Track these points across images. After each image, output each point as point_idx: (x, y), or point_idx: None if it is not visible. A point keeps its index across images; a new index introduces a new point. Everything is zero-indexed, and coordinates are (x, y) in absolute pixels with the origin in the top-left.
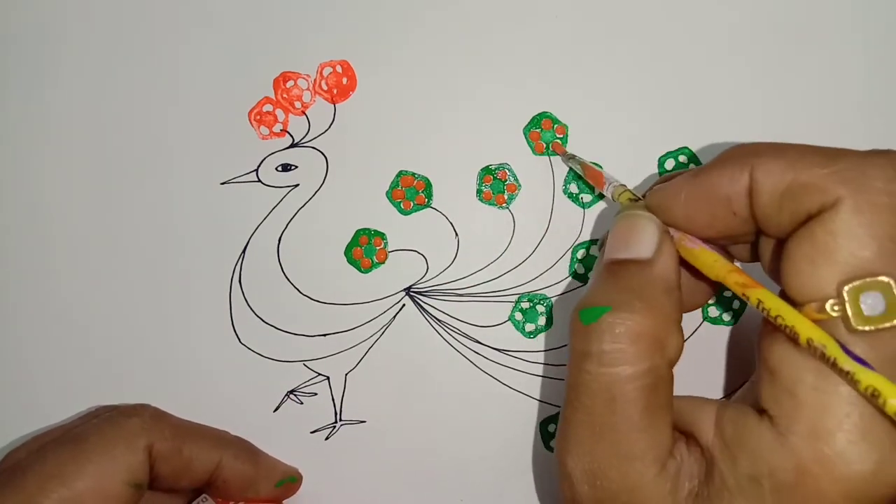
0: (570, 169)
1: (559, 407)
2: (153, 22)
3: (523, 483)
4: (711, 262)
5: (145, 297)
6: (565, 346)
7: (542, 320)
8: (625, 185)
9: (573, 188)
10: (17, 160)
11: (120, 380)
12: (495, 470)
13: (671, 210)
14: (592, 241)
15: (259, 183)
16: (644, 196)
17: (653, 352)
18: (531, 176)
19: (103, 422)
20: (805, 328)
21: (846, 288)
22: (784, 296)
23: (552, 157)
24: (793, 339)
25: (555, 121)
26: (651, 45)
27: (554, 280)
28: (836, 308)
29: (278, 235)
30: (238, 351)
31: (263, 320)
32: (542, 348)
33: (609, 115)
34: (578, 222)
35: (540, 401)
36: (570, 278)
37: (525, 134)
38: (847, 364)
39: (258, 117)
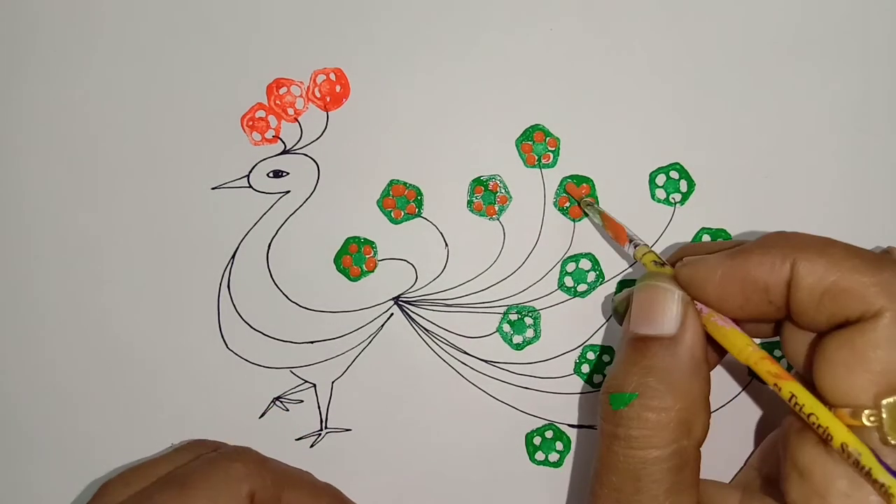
0: (587, 216)
1: (545, 420)
2: (147, 26)
3: (508, 495)
4: (742, 345)
5: (133, 299)
6: (552, 358)
7: (529, 332)
8: (648, 245)
9: (563, 201)
10: (5, 161)
11: (107, 383)
12: (480, 481)
13: (704, 288)
14: (584, 255)
15: (250, 189)
16: (666, 262)
17: (679, 435)
18: (522, 188)
19: (207, 465)
20: (840, 432)
21: (886, 402)
22: (811, 389)
23: (543, 170)
24: (824, 439)
25: (547, 133)
26: (645, 60)
27: (543, 292)
28: (871, 418)
29: (268, 242)
30: (225, 356)
31: (251, 326)
32: (530, 360)
33: (601, 129)
34: (568, 235)
35: (526, 413)
36: (558, 291)
37: (517, 146)
38: (882, 476)
39: (250, 123)
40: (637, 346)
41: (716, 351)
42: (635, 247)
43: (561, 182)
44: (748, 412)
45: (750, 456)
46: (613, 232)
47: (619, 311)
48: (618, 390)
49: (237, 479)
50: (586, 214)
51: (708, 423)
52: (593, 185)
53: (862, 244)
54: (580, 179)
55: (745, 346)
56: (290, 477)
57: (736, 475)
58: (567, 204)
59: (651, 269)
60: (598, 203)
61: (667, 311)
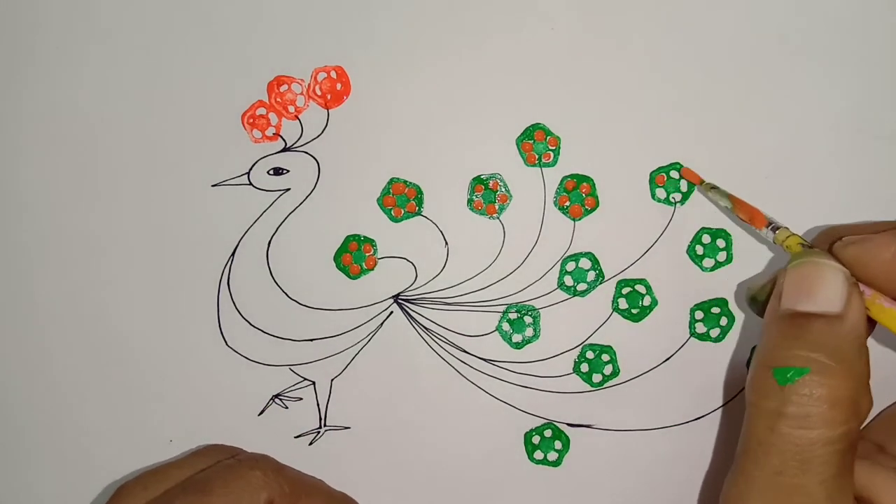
0: (704, 195)
1: (544, 419)
2: (148, 24)
3: (506, 494)
4: None
5: (133, 296)
6: (552, 357)
7: (529, 331)
8: (789, 228)
9: (563, 200)
10: (5, 158)
11: (106, 380)
12: (478, 480)
13: (871, 267)
14: (584, 255)
15: (250, 186)
16: (812, 245)
17: (849, 415)
18: (522, 187)
19: (226, 471)
20: None
21: None
22: None
23: (544, 169)
24: None
25: (547, 132)
26: (645, 60)
27: (542, 291)
28: None
29: (268, 239)
30: (224, 354)
31: (251, 324)
32: (529, 359)
33: (601, 129)
34: (568, 234)
35: (525, 412)
36: (558, 290)
37: (517, 144)
38: None
39: (251, 120)
40: (799, 321)
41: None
42: (774, 230)
43: (561, 181)
44: None
45: (866, 429)
46: (747, 215)
47: (757, 300)
48: (782, 365)
49: (256, 486)
50: (707, 197)
51: (871, 405)
52: (593, 185)
53: None
54: (580, 178)
55: None
56: (307, 485)
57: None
58: (567, 203)
59: (798, 251)
60: (718, 186)
61: (832, 289)
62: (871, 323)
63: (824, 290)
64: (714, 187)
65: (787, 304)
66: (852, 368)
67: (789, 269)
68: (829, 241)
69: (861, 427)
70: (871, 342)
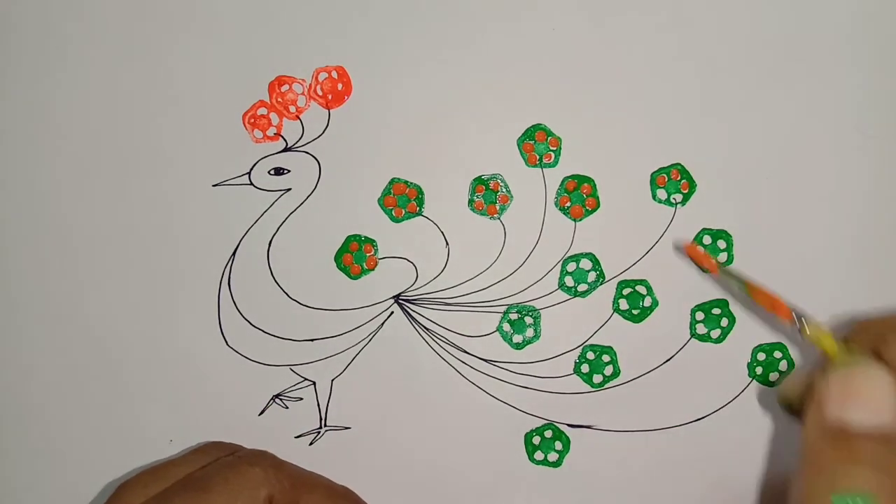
0: (732, 283)
1: (544, 419)
2: (149, 24)
3: (506, 494)
4: None
5: (134, 296)
6: (552, 358)
7: (529, 332)
8: (819, 324)
9: (564, 201)
10: (8, 158)
11: (107, 380)
12: (479, 480)
13: None
14: (584, 255)
15: (251, 186)
16: (847, 340)
17: None
18: (523, 187)
19: (225, 468)
20: None
21: None
22: None
23: (545, 170)
24: None
25: (548, 133)
26: (646, 61)
27: (543, 292)
28: None
29: (269, 239)
30: (225, 353)
31: (251, 324)
32: (530, 360)
33: (602, 129)
34: (569, 235)
35: (525, 413)
36: (558, 290)
37: (518, 145)
38: None
39: (252, 120)
40: (851, 438)
41: None
42: (801, 323)
43: (562, 181)
44: (749, 413)
45: None
46: (770, 306)
47: (791, 401)
48: (845, 490)
49: (256, 483)
50: (717, 280)
51: None
52: (594, 185)
53: (863, 245)
54: (581, 179)
55: None
56: (307, 480)
57: None
58: (568, 203)
59: (836, 353)
60: (730, 269)
61: (885, 400)
62: None
63: (877, 401)
64: (729, 274)
65: (838, 413)
66: None
67: (837, 374)
68: (864, 337)
69: None
70: None
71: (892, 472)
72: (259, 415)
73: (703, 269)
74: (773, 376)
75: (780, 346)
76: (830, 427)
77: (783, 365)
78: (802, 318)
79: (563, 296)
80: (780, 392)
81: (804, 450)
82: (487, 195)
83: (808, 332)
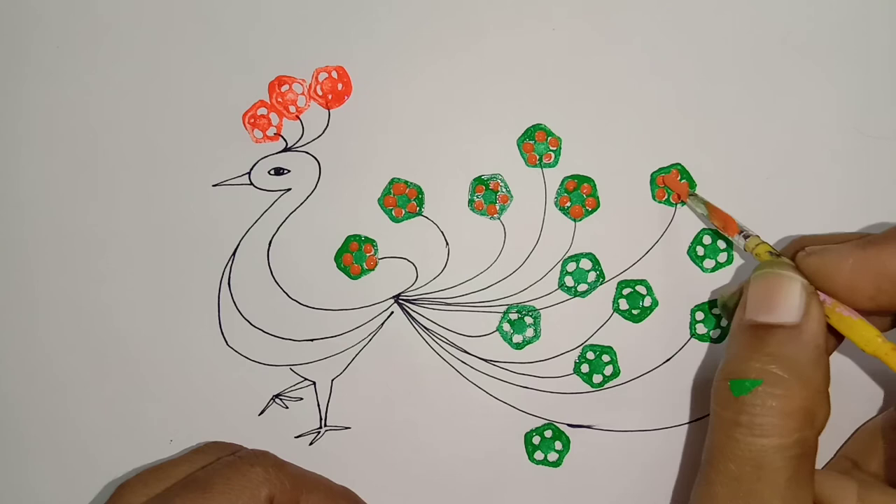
0: (689, 208)
1: (544, 419)
2: (149, 23)
3: (506, 494)
4: (871, 336)
5: (133, 296)
6: (552, 358)
7: (529, 332)
8: (759, 237)
9: (564, 201)
10: (6, 158)
11: (106, 379)
12: (479, 481)
13: (832, 278)
14: (584, 255)
15: (251, 186)
16: (780, 253)
17: (803, 424)
18: (523, 187)
19: (226, 468)
20: None
21: None
22: None
23: (544, 170)
24: None
25: (548, 133)
26: (647, 61)
27: (543, 292)
28: None
29: (269, 239)
30: (225, 353)
31: (251, 323)
32: (530, 360)
33: (602, 129)
34: (569, 235)
35: (525, 412)
36: (558, 290)
37: (518, 145)
38: None
39: (252, 120)
40: (757, 333)
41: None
42: (745, 238)
43: (562, 181)
44: None
45: (842, 446)
46: (721, 222)
47: (727, 306)
48: (739, 377)
49: (257, 483)
50: (685, 204)
51: (828, 414)
52: (594, 185)
53: None
54: (581, 179)
55: (873, 338)
56: (308, 481)
57: (828, 463)
58: (568, 203)
59: (766, 259)
60: (696, 191)
61: (790, 299)
62: (831, 331)
63: (783, 300)
64: (692, 194)
65: (750, 314)
66: (807, 379)
67: (752, 278)
68: (795, 251)
69: (819, 434)
70: (845, 354)
71: (789, 362)
72: (259, 415)
73: (678, 200)
74: None
75: None
76: (746, 324)
77: None
78: (745, 231)
79: (563, 296)
80: (719, 298)
81: (727, 346)
82: (487, 195)
83: (749, 245)
